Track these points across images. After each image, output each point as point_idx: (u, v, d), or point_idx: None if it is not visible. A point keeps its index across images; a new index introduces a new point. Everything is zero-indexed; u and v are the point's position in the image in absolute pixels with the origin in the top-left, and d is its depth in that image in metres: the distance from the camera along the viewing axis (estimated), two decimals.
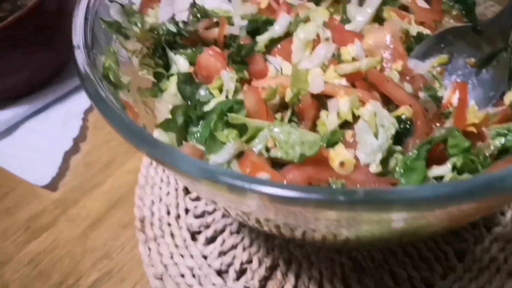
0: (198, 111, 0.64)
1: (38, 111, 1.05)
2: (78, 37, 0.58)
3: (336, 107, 0.65)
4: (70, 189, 0.95)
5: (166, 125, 0.60)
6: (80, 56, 0.55)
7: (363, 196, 0.38)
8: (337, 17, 0.85)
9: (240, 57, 0.71)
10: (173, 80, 0.71)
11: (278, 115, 0.68)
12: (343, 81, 0.70)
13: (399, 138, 0.65)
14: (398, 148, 0.63)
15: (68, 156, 0.99)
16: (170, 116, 0.64)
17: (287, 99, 0.65)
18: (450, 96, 0.72)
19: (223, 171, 0.41)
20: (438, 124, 0.72)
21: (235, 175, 0.41)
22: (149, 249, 0.80)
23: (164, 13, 0.80)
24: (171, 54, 0.75)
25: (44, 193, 0.95)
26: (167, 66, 0.75)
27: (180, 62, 0.74)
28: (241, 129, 0.61)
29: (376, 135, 0.61)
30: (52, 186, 0.95)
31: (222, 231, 0.81)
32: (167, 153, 0.43)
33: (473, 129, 0.67)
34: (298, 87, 0.64)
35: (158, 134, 0.53)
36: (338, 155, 0.57)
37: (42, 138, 1.00)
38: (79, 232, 0.88)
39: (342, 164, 0.56)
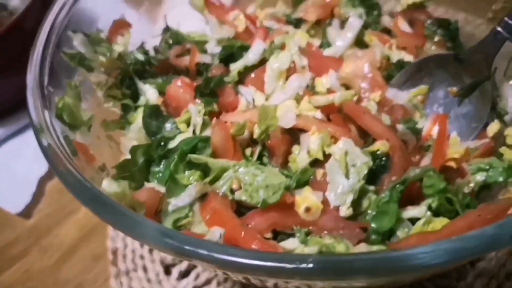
0: (160, 151, 0.61)
1: (13, 135, 1.02)
2: (32, 75, 0.56)
3: (308, 143, 0.62)
4: (44, 217, 0.92)
5: (124, 166, 0.57)
6: (31, 97, 0.52)
7: (313, 266, 0.35)
8: (318, 41, 0.82)
9: (209, 89, 0.68)
10: (141, 112, 0.68)
11: (249, 150, 0.65)
12: (318, 114, 0.66)
13: (375, 174, 0.62)
14: (371, 188, 0.60)
15: (43, 182, 0.96)
16: None
17: (255, 135, 0.62)
18: (430, 128, 0.69)
19: (168, 233, 0.38)
20: (418, 157, 0.69)
21: (179, 238, 0.38)
22: (121, 283, 0.78)
23: (136, 39, 0.78)
24: (140, 83, 0.72)
25: (18, 221, 0.92)
26: (135, 96, 0.72)
27: (149, 92, 0.71)
28: (205, 169, 0.58)
29: (347, 175, 0.58)
30: (26, 213, 0.92)
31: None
32: (108, 211, 0.40)
33: (452, 164, 0.64)
34: (266, 124, 0.61)
35: (107, 184, 0.50)
36: (304, 200, 0.54)
37: (17, 163, 0.98)
38: (52, 263, 0.85)
39: (308, 209, 0.53)
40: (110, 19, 0.76)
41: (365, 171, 0.58)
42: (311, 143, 0.60)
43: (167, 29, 0.81)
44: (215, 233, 0.47)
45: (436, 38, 0.77)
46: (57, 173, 0.44)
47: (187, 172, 0.57)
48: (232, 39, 0.82)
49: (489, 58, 0.68)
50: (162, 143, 0.62)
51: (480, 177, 0.62)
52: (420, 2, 0.83)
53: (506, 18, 0.65)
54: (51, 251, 0.87)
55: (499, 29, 0.66)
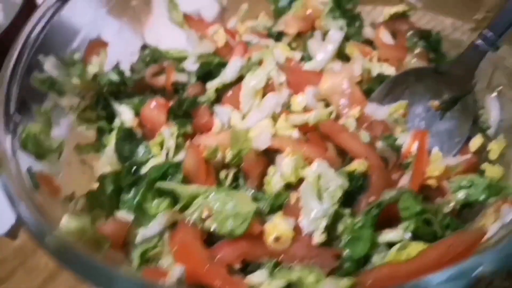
0: (129, 178, 0.59)
1: None
2: None
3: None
4: (30, 238, 0.91)
5: (93, 195, 0.56)
6: None
7: None
8: (299, 54, 0.80)
9: (183, 111, 0.67)
10: (115, 135, 0.67)
11: (224, 173, 0.64)
12: (295, 132, 0.65)
13: (352, 195, 0.61)
14: (347, 211, 0.58)
15: None
16: None
17: (227, 159, 0.61)
18: (410, 144, 0.67)
19: (119, 277, 0.37)
20: (399, 173, 0.67)
21: (132, 283, 0.37)
22: None
23: (112, 57, 0.76)
24: (115, 104, 0.70)
25: (4, 242, 0.91)
26: (111, 117, 0.71)
27: (124, 114, 0.70)
28: (175, 196, 0.56)
29: (321, 199, 0.56)
30: (12, 234, 0.91)
31: None
32: (60, 252, 0.39)
33: (432, 182, 0.62)
34: (238, 147, 0.59)
35: (66, 221, 0.48)
36: (274, 228, 0.52)
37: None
38: (37, 285, 0.84)
39: (277, 238, 0.52)
40: (86, 38, 0.75)
41: (339, 194, 0.56)
42: (284, 165, 0.58)
43: (144, 47, 0.80)
44: (176, 271, 0.46)
45: (418, 50, 0.75)
46: (18, 216, 0.43)
47: (155, 201, 0.55)
48: (212, 54, 0.80)
49: (470, 71, 0.66)
50: (134, 169, 0.61)
51: (461, 195, 0.61)
52: (402, 12, 0.81)
53: (484, 31, 0.63)
54: (36, 271, 0.86)
55: (478, 42, 0.64)
